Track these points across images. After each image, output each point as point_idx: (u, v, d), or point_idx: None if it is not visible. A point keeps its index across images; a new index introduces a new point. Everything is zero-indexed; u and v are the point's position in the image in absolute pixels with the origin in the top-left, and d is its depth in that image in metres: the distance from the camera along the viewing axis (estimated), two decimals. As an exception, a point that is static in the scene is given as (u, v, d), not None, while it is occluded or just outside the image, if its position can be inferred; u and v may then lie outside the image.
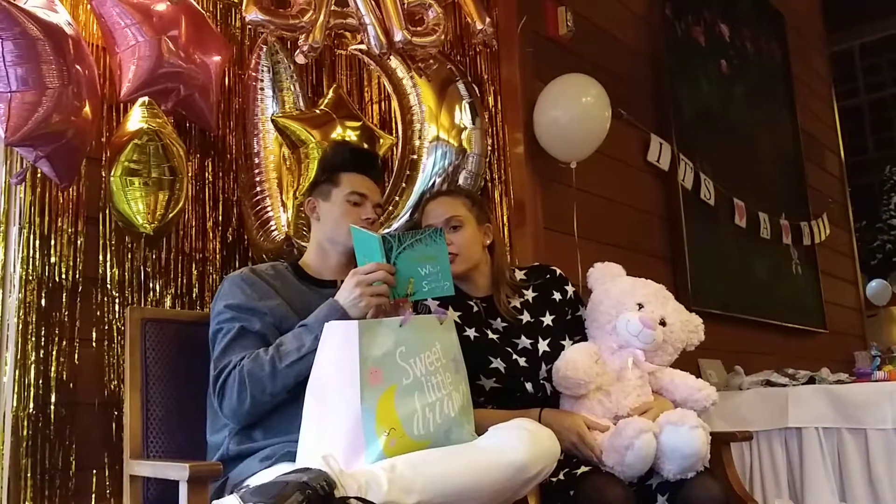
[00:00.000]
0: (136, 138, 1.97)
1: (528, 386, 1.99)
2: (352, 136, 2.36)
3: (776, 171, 4.73)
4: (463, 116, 2.50)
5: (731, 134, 4.31)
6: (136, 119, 2.01)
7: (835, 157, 5.64)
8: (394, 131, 2.71)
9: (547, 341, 2.03)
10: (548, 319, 2.07)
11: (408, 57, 2.52)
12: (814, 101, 5.41)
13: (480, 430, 1.58)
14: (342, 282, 1.71)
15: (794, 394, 3.09)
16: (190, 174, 2.32)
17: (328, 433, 1.47)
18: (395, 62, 2.57)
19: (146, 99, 2.03)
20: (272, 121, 2.32)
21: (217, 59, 2.26)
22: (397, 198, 2.46)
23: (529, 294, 2.11)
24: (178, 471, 1.44)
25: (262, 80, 2.36)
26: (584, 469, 1.83)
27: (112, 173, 1.98)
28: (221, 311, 1.74)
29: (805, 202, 4.93)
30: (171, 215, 2.03)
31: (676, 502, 1.81)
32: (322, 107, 2.44)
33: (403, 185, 2.49)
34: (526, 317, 2.06)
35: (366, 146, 2.37)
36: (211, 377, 1.70)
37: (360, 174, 1.90)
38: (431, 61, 2.49)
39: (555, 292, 2.12)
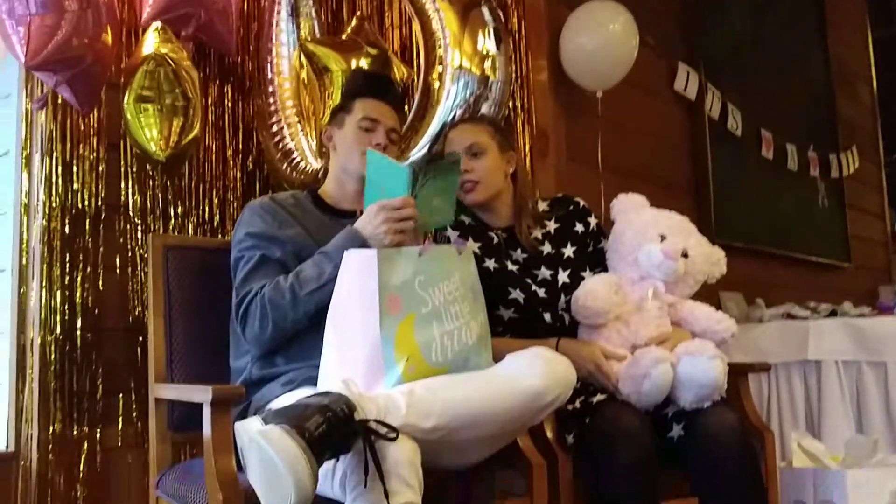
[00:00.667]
0: (145, 64, 1.94)
1: (547, 316, 1.99)
2: (364, 65, 2.32)
3: (806, 102, 4.63)
4: (486, 42, 2.44)
5: (760, 63, 4.21)
6: (149, 45, 1.98)
7: (867, 88, 5.50)
8: (415, 58, 2.66)
9: (567, 272, 2.02)
10: (569, 251, 2.06)
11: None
12: (847, 29, 5.24)
13: (498, 359, 1.59)
14: (361, 212, 1.71)
15: (814, 327, 3.09)
16: (210, 101, 2.31)
17: (348, 359, 1.49)
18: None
19: (159, 24, 2.00)
20: (300, 45, 2.27)
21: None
22: (417, 124, 2.41)
23: (551, 225, 2.09)
24: (201, 394, 1.47)
25: (279, 4, 2.31)
26: (600, 397, 1.85)
27: (125, 100, 1.97)
28: (242, 239, 1.75)
29: (834, 134, 4.83)
30: (185, 142, 2.01)
31: (692, 432, 1.83)
32: (347, 33, 2.40)
33: (423, 113, 2.44)
34: (547, 248, 2.06)
35: (385, 73, 2.32)
36: (233, 304, 1.72)
37: (375, 99, 1.87)
38: None
39: (577, 224, 2.11)
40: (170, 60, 1.96)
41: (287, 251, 1.72)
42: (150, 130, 1.96)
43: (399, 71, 2.46)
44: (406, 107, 2.45)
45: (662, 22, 3.45)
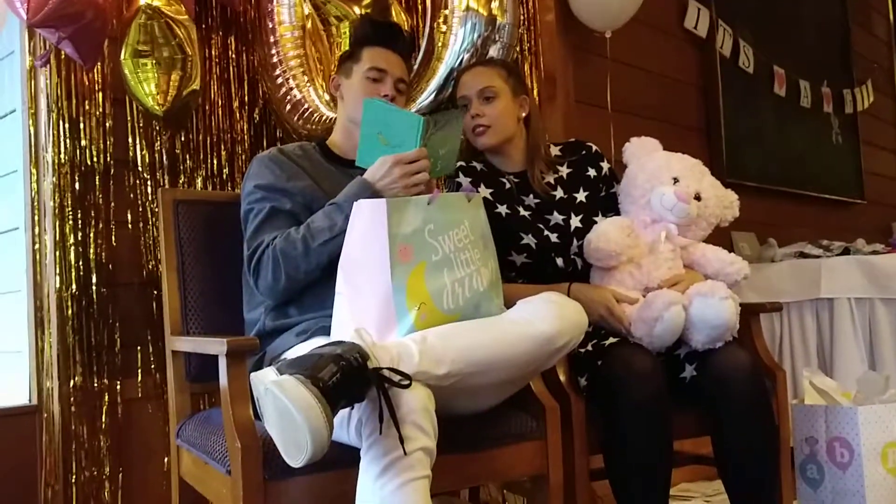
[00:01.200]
0: (137, 18, 1.92)
1: (559, 261, 1.99)
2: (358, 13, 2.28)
3: (819, 36, 4.53)
4: None
5: (773, -3, 4.12)
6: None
7: (882, 20, 5.37)
8: (419, 2, 2.62)
9: (579, 217, 2.02)
10: (581, 196, 2.06)
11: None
12: (863, -41, 5.11)
13: (509, 304, 1.60)
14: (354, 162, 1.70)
15: (827, 265, 3.07)
16: (214, 53, 2.29)
17: (360, 309, 1.50)
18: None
19: None
20: (358, 18, 2.23)
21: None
22: (423, 70, 2.37)
23: (564, 170, 2.08)
24: (216, 346, 1.49)
25: None
26: (612, 340, 1.86)
27: (122, 55, 1.95)
28: (252, 192, 1.75)
29: (849, 68, 4.74)
30: (184, 95, 1.98)
31: (704, 372, 1.85)
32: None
33: (430, 58, 2.40)
34: (559, 193, 2.05)
35: (393, 21, 2.28)
36: (245, 256, 1.73)
37: (382, 47, 1.85)
38: None
39: (589, 168, 2.10)
40: (163, 12, 1.94)
41: (297, 202, 1.72)
42: (147, 85, 1.95)
43: (399, 19, 2.41)
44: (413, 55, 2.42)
45: (672, -43, 3.37)
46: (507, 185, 2.04)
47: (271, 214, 1.71)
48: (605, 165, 2.12)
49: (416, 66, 2.37)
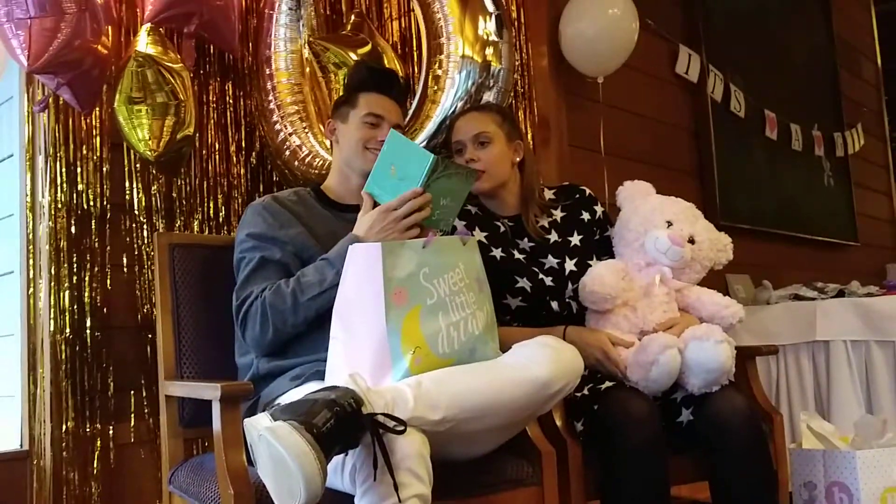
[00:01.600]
0: (129, 65, 1.94)
1: (554, 304, 1.99)
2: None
3: (809, 80, 4.60)
4: (488, 26, 2.40)
5: (763, 42, 4.19)
6: (140, 45, 1.99)
7: (871, 65, 5.46)
8: (414, 50, 2.66)
9: (574, 261, 2.02)
10: (575, 239, 2.07)
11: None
12: (850, 5, 5.20)
13: (505, 348, 1.59)
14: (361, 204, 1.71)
15: (822, 307, 3.08)
16: (211, 98, 2.31)
17: (355, 352, 1.50)
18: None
19: (149, 25, 2.01)
20: (308, 44, 2.26)
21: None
22: (417, 115, 2.39)
23: (558, 214, 2.10)
24: (210, 391, 1.48)
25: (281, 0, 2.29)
26: (608, 384, 1.85)
27: (116, 101, 1.97)
28: (244, 240, 1.76)
29: (839, 112, 4.80)
30: (177, 140, 1.99)
31: (700, 416, 1.83)
32: (347, 30, 2.38)
33: (422, 104, 2.41)
34: (554, 236, 2.06)
35: (390, 68, 2.31)
36: (234, 307, 1.73)
37: (379, 93, 1.87)
38: None
39: (583, 212, 2.11)
40: (155, 59, 1.96)
41: (288, 252, 1.73)
42: (141, 131, 1.96)
43: (392, 65, 2.44)
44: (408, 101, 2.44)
45: (662, 4, 3.43)
46: (502, 229, 2.05)
47: (260, 265, 1.72)
48: (598, 209, 2.13)
49: (411, 111, 2.40)
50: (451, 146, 2.07)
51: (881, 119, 5.45)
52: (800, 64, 4.53)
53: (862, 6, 5.45)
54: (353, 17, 2.46)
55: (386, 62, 2.42)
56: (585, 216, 2.11)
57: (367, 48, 2.36)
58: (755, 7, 4.17)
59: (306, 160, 2.24)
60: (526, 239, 2.04)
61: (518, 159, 2.08)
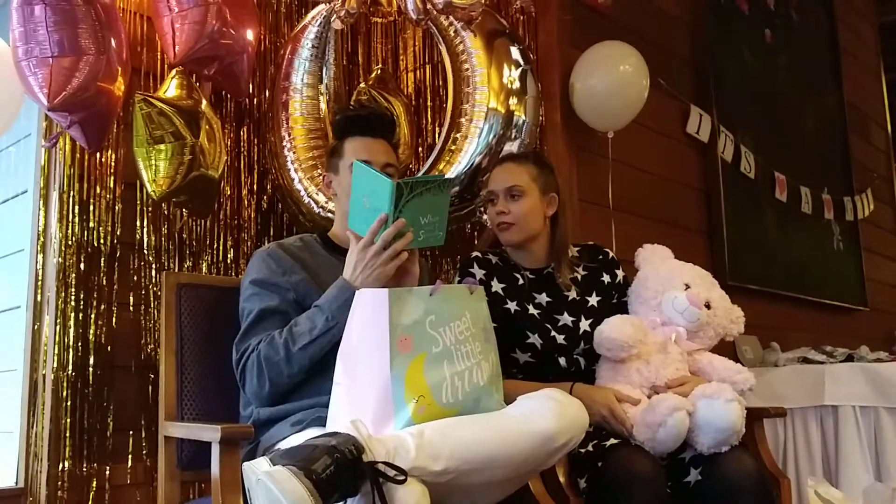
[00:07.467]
0: (138, 107, 1.95)
1: (562, 360, 1.98)
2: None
3: (820, 145, 4.63)
4: (514, 79, 2.37)
5: (773, 105, 4.22)
6: (170, 90, 2.01)
7: (881, 131, 5.50)
8: (428, 100, 2.68)
9: (589, 321, 2.01)
10: (593, 300, 2.06)
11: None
12: (861, 73, 5.26)
13: (510, 400, 1.57)
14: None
15: (830, 371, 3.05)
16: (226, 143, 2.33)
17: (358, 399, 1.48)
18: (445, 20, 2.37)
19: (176, 70, 2.04)
20: (334, 113, 2.27)
21: (252, 28, 2.24)
22: (439, 167, 2.36)
23: (580, 272, 2.09)
24: (210, 433, 1.47)
25: (302, 47, 2.29)
26: (613, 441, 1.83)
27: (134, 142, 1.99)
28: (247, 288, 1.77)
29: (849, 176, 4.82)
30: (179, 179, 1.98)
31: (709, 477, 1.80)
32: (371, 82, 2.40)
33: (440, 155, 2.40)
34: (572, 294, 2.05)
35: (369, 107, 2.27)
36: (233, 360, 1.73)
37: (362, 137, 1.86)
38: (478, 17, 2.36)
39: (605, 274, 2.11)
40: (166, 100, 1.97)
41: (289, 299, 1.73)
42: (151, 170, 1.96)
43: (402, 129, 2.44)
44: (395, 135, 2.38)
45: (674, 63, 3.47)
46: (521, 282, 2.04)
47: (259, 317, 1.72)
48: (619, 273, 2.14)
49: (432, 159, 2.37)
50: (483, 193, 2.08)
51: (891, 185, 5.46)
52: (810, 128, 4.56)
53: (873, 74, 5.51)
54: (377, 71, 2.48)
55: (401, 124, 2.43)
56: (606, 278, 2.11)
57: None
58: (766, 71, 4.22)
59: (320, 203, 2.25)
60: (544, 294, 2.04)
61: (551, 213, 2.08)
